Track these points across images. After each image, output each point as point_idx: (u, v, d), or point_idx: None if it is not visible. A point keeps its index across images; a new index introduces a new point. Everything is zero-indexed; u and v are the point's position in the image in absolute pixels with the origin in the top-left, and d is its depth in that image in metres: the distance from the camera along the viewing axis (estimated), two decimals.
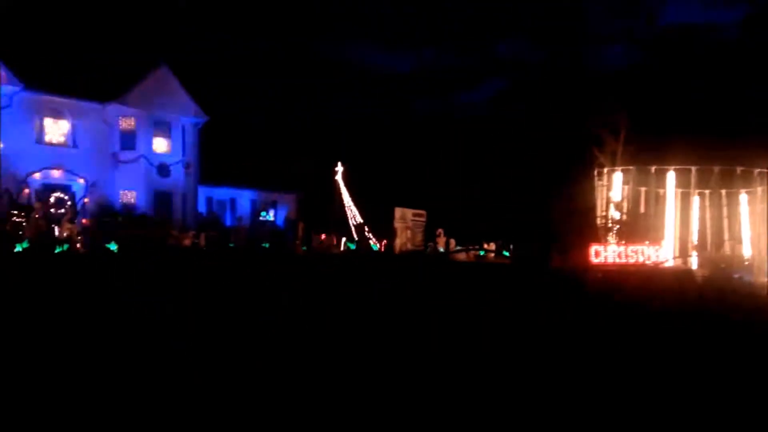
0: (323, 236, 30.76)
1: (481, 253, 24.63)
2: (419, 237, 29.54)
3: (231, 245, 26.89)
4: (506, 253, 24.83)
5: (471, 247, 27.86)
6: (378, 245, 31.44)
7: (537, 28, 67.49)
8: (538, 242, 21.09)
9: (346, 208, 34.30)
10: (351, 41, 74.96)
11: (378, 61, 75.66)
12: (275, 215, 35.80)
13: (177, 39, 49.21)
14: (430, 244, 29.85)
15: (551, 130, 28.15)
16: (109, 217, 25.46)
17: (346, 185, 34.42)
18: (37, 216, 22.69)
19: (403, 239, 29.01)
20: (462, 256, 26.42)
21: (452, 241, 29.91)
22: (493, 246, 27.36)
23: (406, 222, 29.31)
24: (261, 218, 34.73)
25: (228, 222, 32.44)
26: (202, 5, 62.18)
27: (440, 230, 30.07)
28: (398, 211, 29.16)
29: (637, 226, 23.36)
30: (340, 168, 34.23)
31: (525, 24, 67.89)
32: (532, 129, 33.20)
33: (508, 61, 69.31)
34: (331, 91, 63.05)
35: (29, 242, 20.91)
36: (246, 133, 40.56)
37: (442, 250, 28.97)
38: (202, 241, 26.26)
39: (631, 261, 21.88)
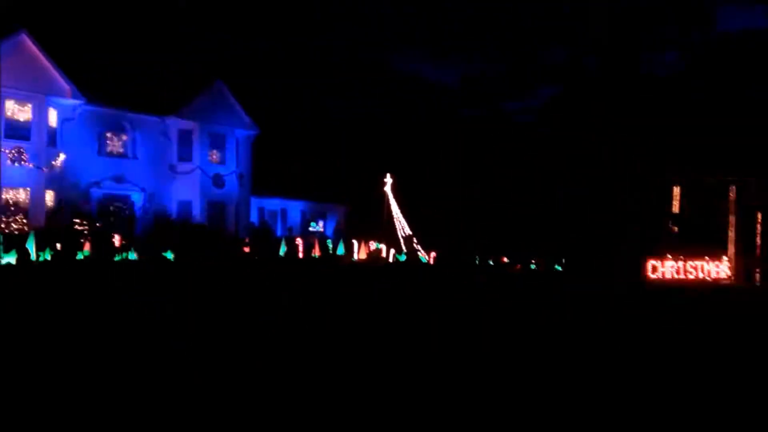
0: (372, 247, 30.81)
1: (558, 268, 24.21)
2: None
3: (281, 255, 27.22)
4: (558, 267, 24.38)
5: (518, 261, 27.45)
6: (426, 257, 31.31)
7: (590, 33, 66.46)
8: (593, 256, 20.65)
9: (395, 220, 34.31)
10: (398, 53, 75.33)
11: (426, 71, 75.77)
12: (324, 226, 36.15)
13: (229, 52, 50.45)
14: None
15: (603, 139, 27.59)
16: (165, 227, 26.15)
17: (395, 196, 34.47)
18: (97, 225, 23.51)
19: None
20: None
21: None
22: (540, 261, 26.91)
23: None
24: (310, 229, 35.13)
25: (279, 232, 32.90)
26: (252, 15, 63.61)
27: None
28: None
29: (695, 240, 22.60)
30: (389, 179, 34.31)
31: (577, 30, 66.94)
32: (584, 139, 32.60)
33: (560, 68, 68.34)
34: (379, 103, 63.47)
35: (90, 250, 21.67)
36: (297, 145, 41.17)
37: (491, 263, 28.64)
38: (254, 250, 26.68)
39: (690, 277, 21.19)
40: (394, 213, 34.30)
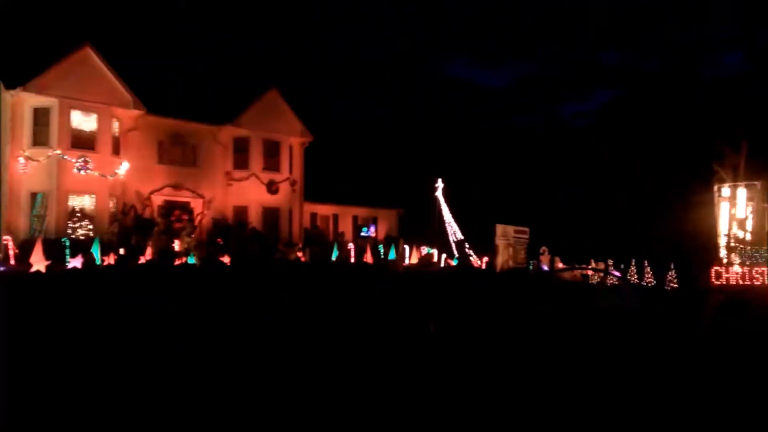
0: (423, 252, 30.77)
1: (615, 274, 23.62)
2: (522, 254, 28.89)
3: (333, 260, 27.50)
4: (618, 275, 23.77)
5: (577, 266, 26.88)
6: (479, 261, 31.05)
7: (649, 34, 64.72)
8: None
9: (446, 225, 34.15)
10: (451, 57, 75.12)
11: (479, 76, 75.33)
12: (376, 231, 36.29)
13: (287, 61, 51.38)
14: (534, 262, 29.10)
15: (665, 142, 26.74)
16: (222, 232, 26.79)
17: (447, 201, 34.31)
18: (159, 231, 24.30)
19: (504, 256, 28.49)
20: (568, 275, 25.55)
21: (557, 259, 29.01)
22: (602, 265, 26.26)
23: (508, 239, 28.76)
24: (362, 234, 35.34)
25: (331, 237, 33.22)
26: (309, 27, 64.60)
27: (544, 248, 29.26)
28: (500, 228, 28.68)
29: (762, 245, 21.63)
30: (440, 184, 34.20)
31: (635, 31, 65.30)
32: (644, 142, 31.71)
33: (618, 71, 66.80)
34: (433, 106, 63.47)
35: (152, 255, 22.41)
36: (348, 151, 41.55)
37: (546, 268, 28.17)
38: (307, 255, 27.06)
39: (756, 283, 20.32)
40: (445, 217, 34.15)
